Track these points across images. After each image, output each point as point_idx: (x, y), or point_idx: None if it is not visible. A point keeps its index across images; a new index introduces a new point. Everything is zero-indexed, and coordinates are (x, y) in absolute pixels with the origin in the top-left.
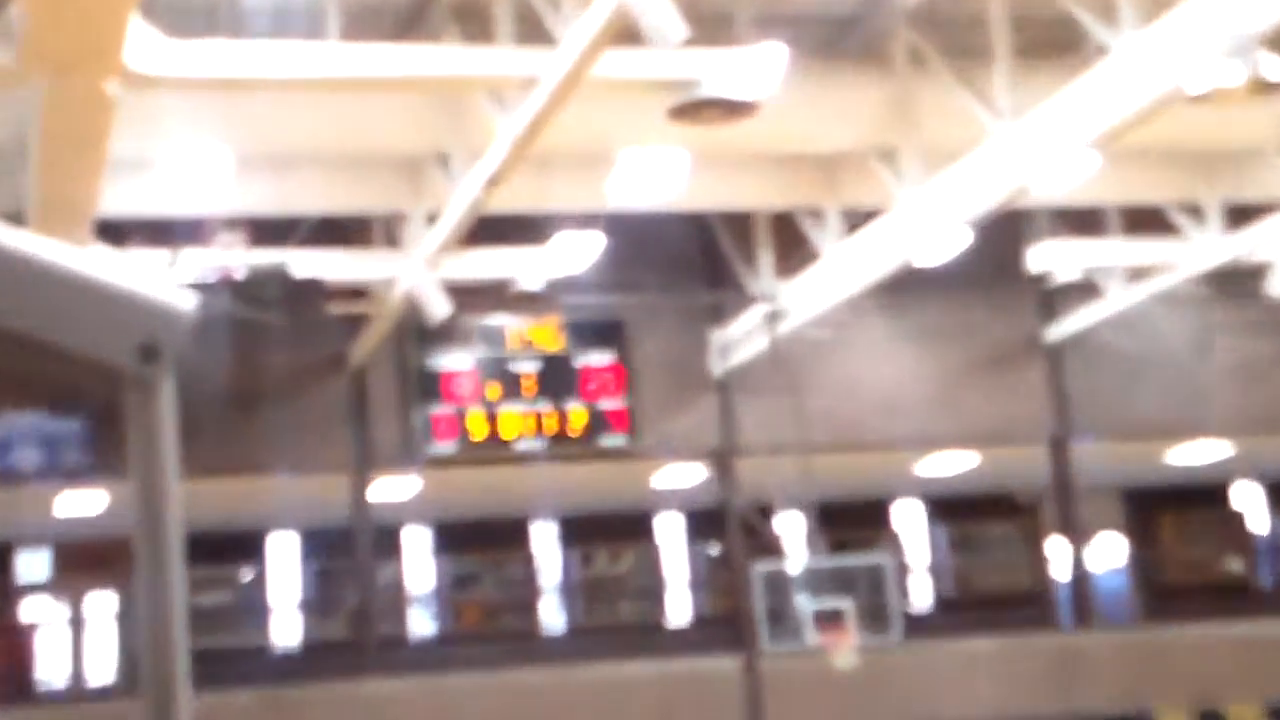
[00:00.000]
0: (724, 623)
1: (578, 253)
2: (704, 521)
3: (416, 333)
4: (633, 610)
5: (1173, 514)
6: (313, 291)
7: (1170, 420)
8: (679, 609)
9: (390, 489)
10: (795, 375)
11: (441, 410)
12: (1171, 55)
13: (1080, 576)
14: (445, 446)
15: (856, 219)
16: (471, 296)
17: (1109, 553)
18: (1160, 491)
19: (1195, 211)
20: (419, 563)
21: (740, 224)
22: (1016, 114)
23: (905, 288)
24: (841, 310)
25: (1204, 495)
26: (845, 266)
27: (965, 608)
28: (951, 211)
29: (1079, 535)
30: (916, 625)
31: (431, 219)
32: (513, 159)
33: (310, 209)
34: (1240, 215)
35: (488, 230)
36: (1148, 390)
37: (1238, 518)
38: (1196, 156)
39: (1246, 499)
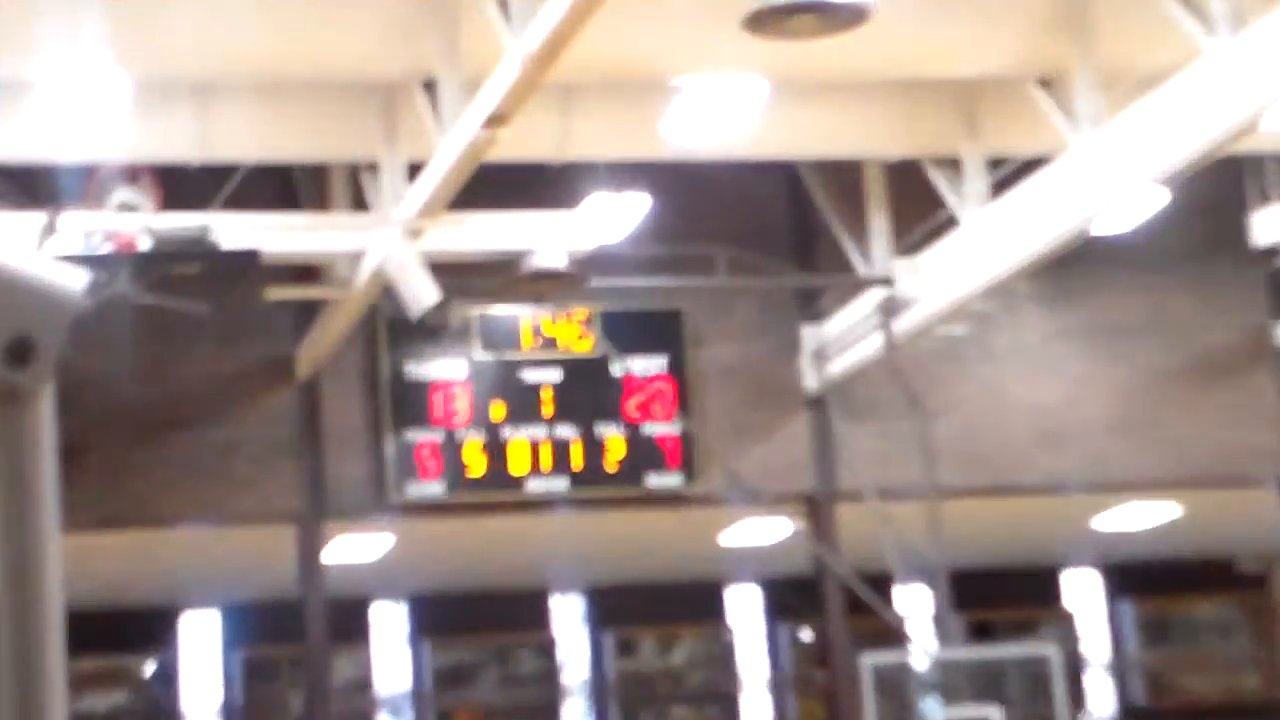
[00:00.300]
0: None
1: (616, 219)
2: (791, 595)
3: (391, 328)
4: (692, 718)
5: None
6: (247, 269)
7: None
8: (757, 716)
9: (353, 548)
10: (920, 390)
11: (425, 436)
12: None
13: None
14: (430, 488)
15: (1007, 172)
16: (468, 278)
17: None
18: None
19: None
20: (392, 651)
21: (844, 179)
22: (1236, 25)
23: (1076, 268)
24: (985, 299)
25: None
26: (991, 238)
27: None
28: (1143, 162)
29: None
30: None
31: (413, 171)
32: (525, 88)
33: (243, 155)
34: None
35: (491, 187)
36: None
37: None
38: None
39: None
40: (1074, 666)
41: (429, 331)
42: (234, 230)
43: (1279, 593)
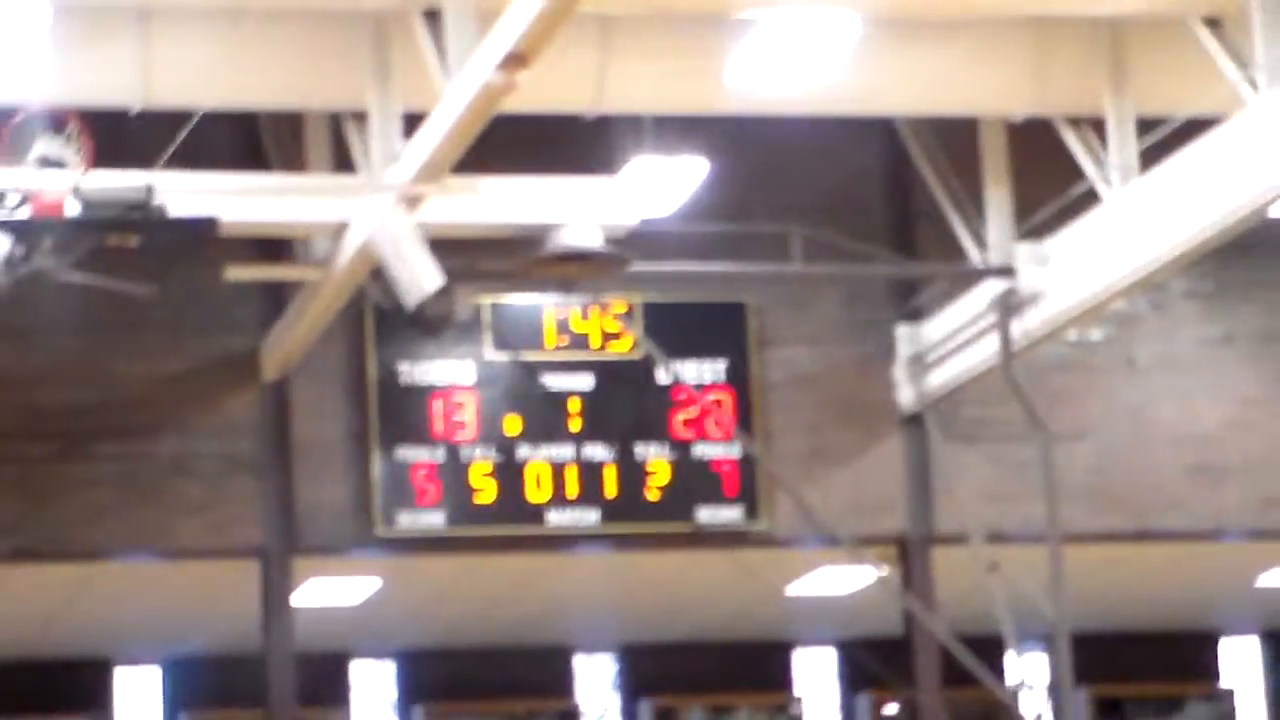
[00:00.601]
0: None
1: (666, 187)
2: (874, 659)
3: (381, 320)
4: None
5: None
6: (200, 243)
7: None
8: None
9: (330, 591)
10: (1045, 408)
11: (422, 455)
12: None
13: None
14: (426, 518)
15: (1164, 136)
16: (478, 259)
17: None
18: None
19: None
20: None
21: (956, 143)
22: None
23: (1247, 260)
24: (1130, 297)
25: None
26: (1140, 219)
27: None
28: None
29: None
30: None
31: (411, 123)
32: (553, 19)
33: (196, 99)
34: None
35: (509, 146)
36: None
37: None
38: None
39: None
40: None
41: (428, 325)
42: (185, 193)
43: None
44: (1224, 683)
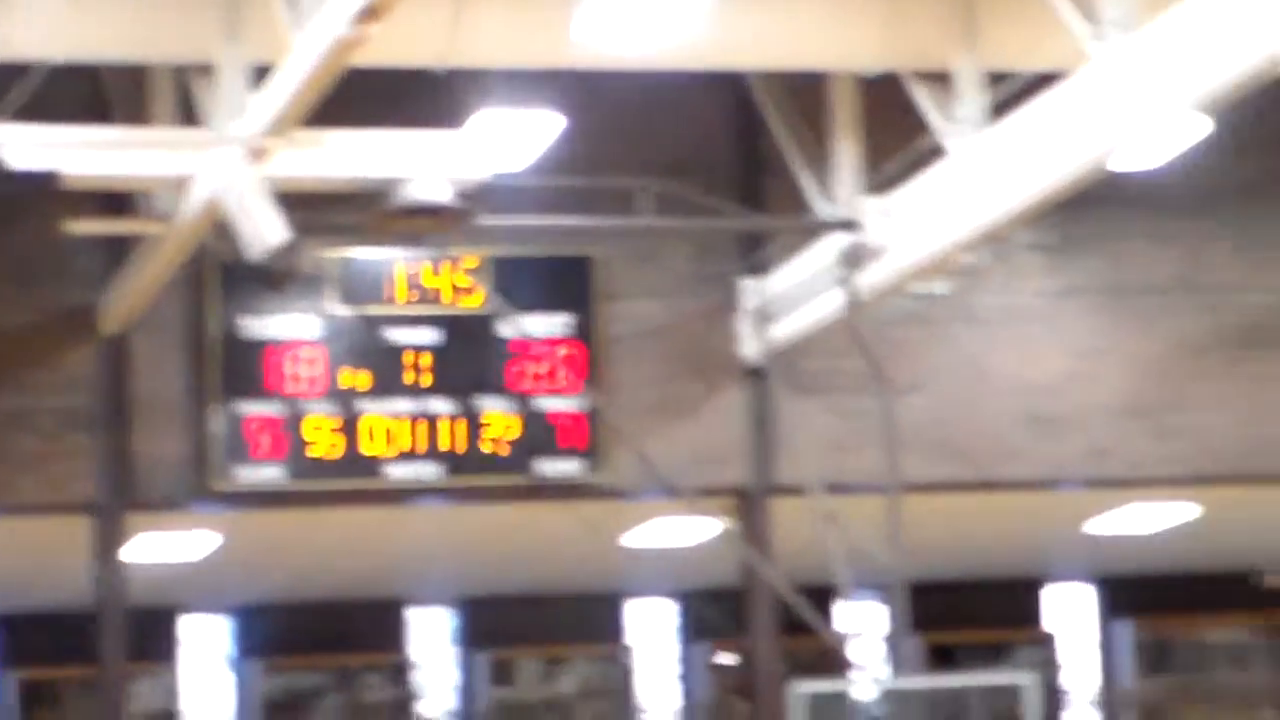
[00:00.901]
0: None
1: (514, 142)
2: (712, 610)
3: (224, 274)
4: None
5: None
6: (38, 194)
7: None
8: None
9: (165, 546)
10: (886, 360)
11: (262, 409)
12: None
13: None
14: (265, 472)
15: (1011, 92)
16: (325, 213)
17: None
18: None
19: None
20: (212, 674)
21: (804, 98)
22: None
23: (1089, 214)
24: (974, 250)
25: None
26: (985, 173)
27: None
28: (1180, 80)
29: None
30: None
31: (259, 75)
32: None
33: (36, 52)
34: None
35: (358, 99)
36: None
37: None
38: None
39: None
40: (1054, 699)
41: (273, 279)
42: (26, 146)
43: None
44: (1050, 628)
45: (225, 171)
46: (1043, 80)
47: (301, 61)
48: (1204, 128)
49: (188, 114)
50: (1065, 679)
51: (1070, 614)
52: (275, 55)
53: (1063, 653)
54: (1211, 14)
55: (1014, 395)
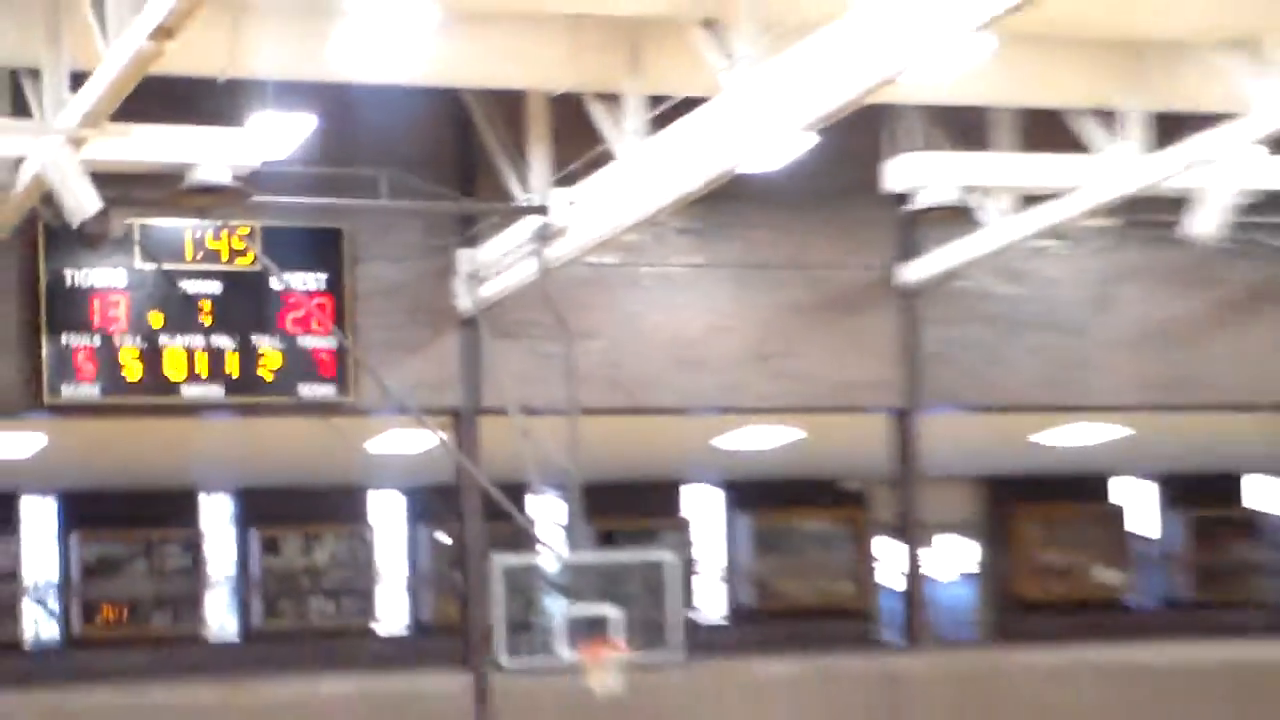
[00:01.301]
0: (451, 631)
1: (281, 137)
2: (432, 501)
3: (51, 235)
4: (331, 612)
5: (1036, 510)
6: None
7: (1047, 391)
8: (393, 612)
9: (4, 444)
10: (568, 314)
11: (81, 341)
12: None
13: (915, 585)
14: (84, 390)
15: (666, 110)
16: (131, 189)
17: (954, 557)
18: (1022, 482)
19: (1109, 119)
20: (39, 544)
21: (508, 109)
22: None
23: (724, 205)
24: (637, 231)
25: (1078, 488)
26: (646, 173)
27: (768, 620)
28: (793, 105)
29: (917, 534)
30: (704, 640)
31: (78, 79)
32: (194, 1)
33: None
34: (1166, 126)
35: (157, 99)
36: (1022, 353)
37: (1117, 518)
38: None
39: (1130, 495)
40: (689, 572)
41: (89, 240)
42: None
43: (875, 510)
44: (686, 517)
45: (51, 154)
46: (691, 102)
47: (111, 68)
48: (811, 141)
49: (21, 107)
50: (699, 557)
51: (703, 508)
52: (91, 63)
53: (697, 537)
54: (818, 55)
55: (666, 344)
